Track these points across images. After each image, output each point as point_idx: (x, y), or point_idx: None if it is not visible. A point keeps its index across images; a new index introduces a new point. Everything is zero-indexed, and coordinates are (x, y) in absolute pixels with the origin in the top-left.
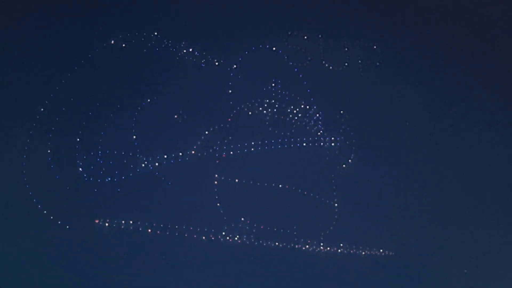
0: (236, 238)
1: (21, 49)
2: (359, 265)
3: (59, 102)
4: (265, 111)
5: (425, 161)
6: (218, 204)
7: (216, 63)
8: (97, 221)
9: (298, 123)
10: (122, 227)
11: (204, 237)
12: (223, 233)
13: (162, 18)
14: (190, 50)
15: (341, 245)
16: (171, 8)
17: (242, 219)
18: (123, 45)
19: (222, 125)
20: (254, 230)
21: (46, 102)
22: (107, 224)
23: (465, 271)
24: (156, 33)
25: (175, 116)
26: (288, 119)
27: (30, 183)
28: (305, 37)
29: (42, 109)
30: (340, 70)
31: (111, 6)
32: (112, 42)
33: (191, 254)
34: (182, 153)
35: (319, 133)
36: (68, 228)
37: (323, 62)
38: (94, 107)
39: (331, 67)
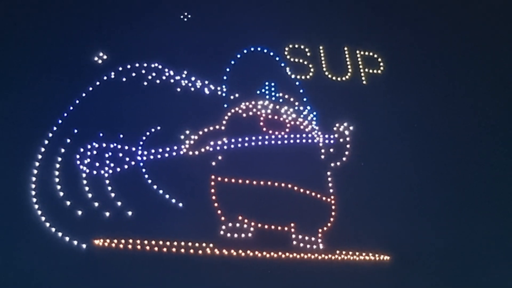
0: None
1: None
2: (355, 268)
3: (61, 134)
4: (259, 112)
5: (422, 159)
6: (216, 205)
7: (219, 92)
8: (96, 242)
9: (292, 122)
10: (121, 246)
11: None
12: (221, 233)
13: (162, 49)
14: (193, 79)
15: (338, 246)
16: (171, 38)
17: (240, 217)
18: (123, 79)
19: (217, 127)
20: (252, 229)
21: (50, 134)
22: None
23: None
24: (157, 64)
25: (181, 137)
26: (282, 118)
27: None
28: (302, 47)
29: (46, 142)
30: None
31: (111, 39)
32: (112, 75)
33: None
34: (176, 154)
35: (313, 132)
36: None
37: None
38: (95, 138)
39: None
